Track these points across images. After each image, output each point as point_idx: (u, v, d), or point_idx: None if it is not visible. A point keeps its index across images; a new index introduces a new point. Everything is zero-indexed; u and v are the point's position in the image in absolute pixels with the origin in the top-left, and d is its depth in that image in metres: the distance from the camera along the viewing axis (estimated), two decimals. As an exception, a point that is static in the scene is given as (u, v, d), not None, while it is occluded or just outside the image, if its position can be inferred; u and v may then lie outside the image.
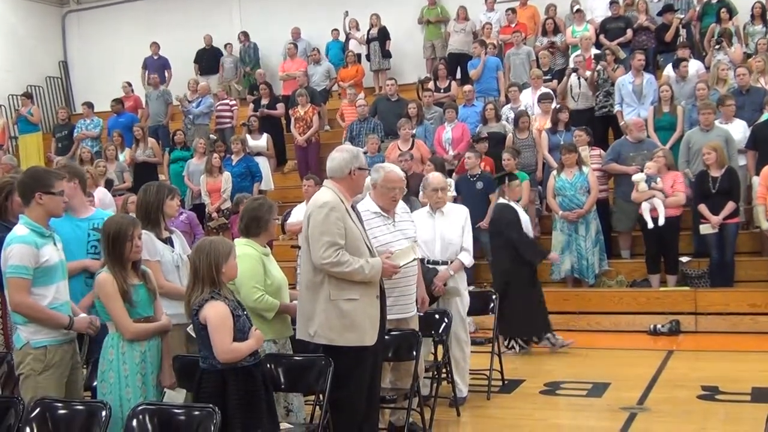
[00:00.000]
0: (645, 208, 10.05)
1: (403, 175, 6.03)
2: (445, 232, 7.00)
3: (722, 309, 9.89)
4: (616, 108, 12.16)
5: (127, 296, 4.69)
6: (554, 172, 10.77)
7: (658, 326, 9.76)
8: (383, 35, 16.49)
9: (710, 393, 7.29)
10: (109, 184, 11.77)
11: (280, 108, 15.23)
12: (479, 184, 10.80)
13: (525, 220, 8.80)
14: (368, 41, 16.63)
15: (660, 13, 14.17)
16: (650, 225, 10.02)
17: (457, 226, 7.04)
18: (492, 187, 10.78)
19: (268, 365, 5.18)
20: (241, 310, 4.70)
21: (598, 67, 12.55)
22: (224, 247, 4.66)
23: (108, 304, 4.70)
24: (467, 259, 7.11)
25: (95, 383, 5.18)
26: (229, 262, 4.64)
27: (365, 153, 10.76)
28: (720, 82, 11.84)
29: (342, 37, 17.16)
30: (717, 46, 12.74)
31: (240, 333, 4.57)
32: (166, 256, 5.54)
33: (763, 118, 10.74)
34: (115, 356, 4.73)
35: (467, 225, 7.12)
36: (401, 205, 6.17)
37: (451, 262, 6.99)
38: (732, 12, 13.62)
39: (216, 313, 4.50)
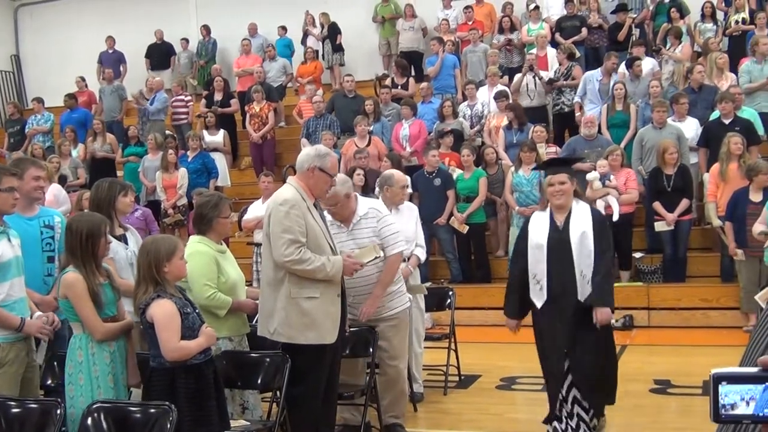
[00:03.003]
0: (600, 206, 10.12)
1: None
2: (402, 229, 6.90)
3: (674, 304, 10.05)
4: (576, 99, 12.26)
5: (98, 297, 4.58)
6: (512, 168, 10.84)
7: (612, 321, 9.81)
8: (333, 31, 16.50)
9: (662, 387, 7.42)
10: (62, 180, 11.63)
11: (234, 104, 15.13)
12: (437, 181, 10.82)
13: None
14: (322, 40, 16.65)
15: (614, 12, 14.35)
16: None
17: (411, 223, 7.07)
18: (450, 183, 10.83)
19: (224, 362, 5.14)
20: (191, 307, 4.61)
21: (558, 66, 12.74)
22: (167, 247, 4.54)
23: (78, 305, 4.57)
24: (423, 254, 7.17)
25: (49, 382, 5.13)
26: (173, 261, 4.52)
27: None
28: (683, 80, 11.99)
29: (291, 35, 17.06)
30: (666, 47, 12.96)
31: (189, 331, 4.49)
32: (120, 253, 5.50)
33: (713, 116, 10.91)
34: (85, 358, 4.60)
35: (418, 221, 7.21)
36: (363, 209, 5.95)
37: (408, 259, 6.98)
38: (683, 11, 13.81)
39: (163, 312, 4.42)
